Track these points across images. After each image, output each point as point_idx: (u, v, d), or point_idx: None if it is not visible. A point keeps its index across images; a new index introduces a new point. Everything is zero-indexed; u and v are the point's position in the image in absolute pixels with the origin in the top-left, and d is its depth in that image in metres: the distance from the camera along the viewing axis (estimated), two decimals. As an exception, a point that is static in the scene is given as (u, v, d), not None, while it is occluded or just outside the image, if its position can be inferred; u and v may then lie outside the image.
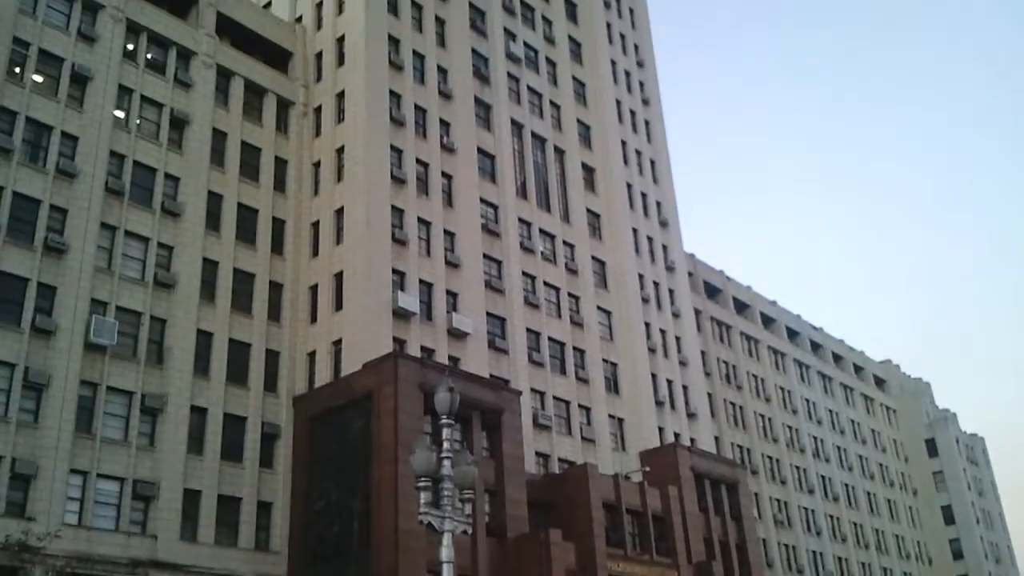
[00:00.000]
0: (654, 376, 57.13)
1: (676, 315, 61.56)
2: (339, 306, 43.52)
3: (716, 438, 64.61)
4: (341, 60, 49.01)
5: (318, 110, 49.03)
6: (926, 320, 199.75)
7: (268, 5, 53.68)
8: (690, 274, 67.86)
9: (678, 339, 61.05)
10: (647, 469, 50.15)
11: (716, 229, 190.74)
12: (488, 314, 48.62)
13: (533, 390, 49.04)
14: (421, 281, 45.76)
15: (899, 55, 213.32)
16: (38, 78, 38.92)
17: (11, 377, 34.38)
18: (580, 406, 51.69)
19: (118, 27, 41.87)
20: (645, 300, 58.79)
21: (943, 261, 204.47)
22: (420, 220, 47.19)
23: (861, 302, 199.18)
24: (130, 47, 42.52)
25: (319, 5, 51.45)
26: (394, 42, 50.08)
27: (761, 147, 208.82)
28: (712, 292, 73.52)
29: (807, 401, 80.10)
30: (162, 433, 37.84)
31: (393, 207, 45.91)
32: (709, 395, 65.55)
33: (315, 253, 45.69)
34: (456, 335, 45.97)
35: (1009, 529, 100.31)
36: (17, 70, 38.38)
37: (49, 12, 40.09)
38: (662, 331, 59.57)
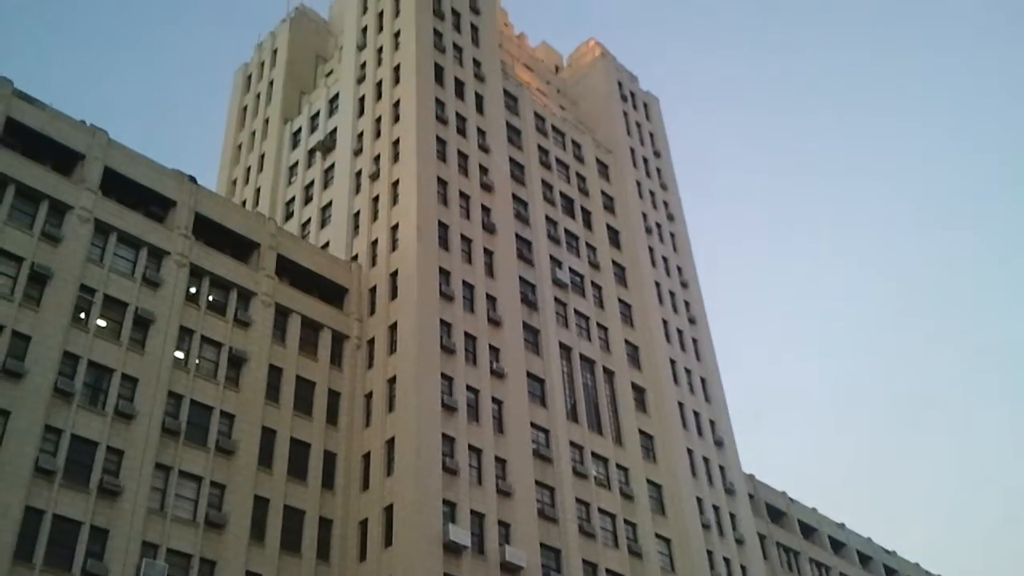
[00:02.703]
0: (721, 609, 53.98)
1: (740, 541, 58.93)
2: (389, 542, 42.44)
3: (792, 675, 59.91)
4: (394, 294, 50.55)
5: (371, 342, 50.08)
6: (1002, 539, 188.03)
7: (326, 246, 56.25)
8: (751, 496, 65.54)
9: (744, 568, 58.04)
10: None
11: (773, 448, 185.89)
12: (542, 545, 47.02)
13: (593, 628, 46.44)
14: (472, 512, 44.75)
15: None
16: (102, 323, 40.54)
17: (57, 626, 33.54)
18: (643, 644, 48.65)
19: (182, 272, 43.95)
20: (706, 526, 56.57)
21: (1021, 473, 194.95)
22: (471, 447, 46.80)
23: (932, 518, 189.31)
24: (192, 290, 44.44)
25: (374, 243, 53.77)
26: (444, 274, 51.74)
27: (811, 353, 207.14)
28: (776, 515, 70.55)
29: (886, 632, 74.49)
30: None
31: (444, 435, 45.73)
32: (781, 627, 61.47)
33: (365, 486, 45.18)
34: (509, 569, 44.29)
35: None
36: (82, 315, 40.08)
37: (116, 260, 42.33)
38: (726, 559, 56.82)
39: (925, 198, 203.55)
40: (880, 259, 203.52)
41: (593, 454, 53.61)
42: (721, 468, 61.79)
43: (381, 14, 65.00)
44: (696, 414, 62.76)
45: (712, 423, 63.78)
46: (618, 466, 54.62)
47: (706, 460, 60.79)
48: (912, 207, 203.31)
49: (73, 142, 43.36)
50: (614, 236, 66.90)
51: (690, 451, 59.66)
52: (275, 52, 74.02)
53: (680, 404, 61.64)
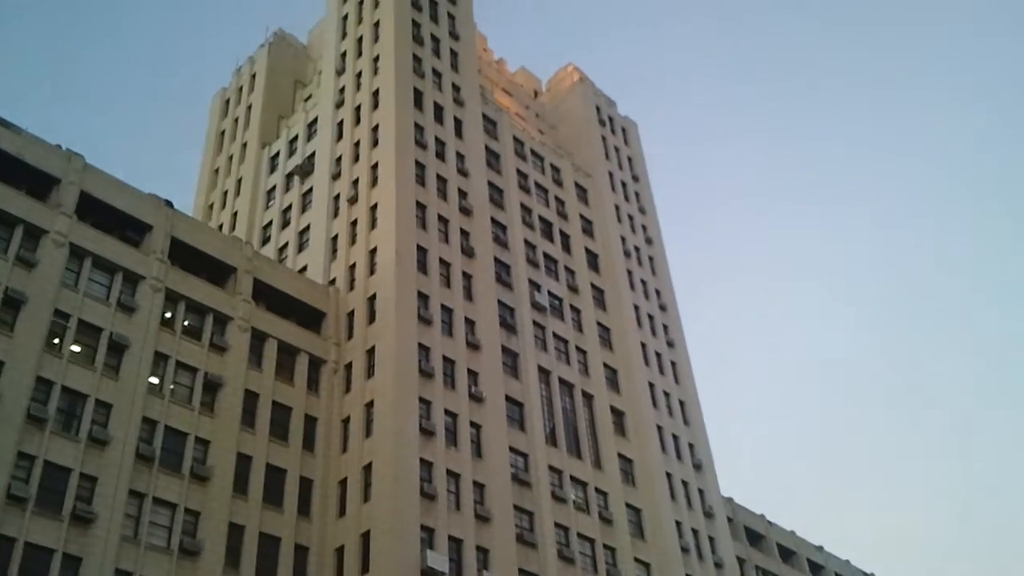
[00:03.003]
0: (700, 633, 53.81)
1: (719, 565, 58.83)
2: (366, 569, 42.10)
3: None
4: (372, 317, 50.45)
5: (349, 367, 49.89)
6: (989, 554, 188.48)
7: (303, 270, 56.14)
8: (730, 520, 65.54)
9: (722, 591, 58.00)
10: None
11: (751, 468, 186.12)
12: (521, 571, 46.76)
13: (571, 653, 46.17)
14: (450, 537, 44.50)
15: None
16: (76, 348, 40.20)
17: (26, 658, 32.99)
18: (622, 670, 48.37)
19: (157, 296, 43.71)
20: (685, 550, 56.46)
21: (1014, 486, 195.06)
22: (449, 472, 46.62)
23: (930, 530, 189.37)
24: (168, 315, 44.17)
25: (352, 267, 53.73)
26: (423, 298, 51.70)
27: (790, 370, 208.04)
28: (754, 539, 70.56)
29: (866, 656, 74.44)
30: None
31: (422, 460, 45.55)
32: (760, 651, 61.31)
33: (342, 512, 44.86)
34: (488, 595, 44.02)
35: None
36: (56, 341, 39.72)
37: (90, 284, 42.04)
38: (705, 583, 56.74)
39: (923, 201, 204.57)
40: (873, 265, 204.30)
41: (572, 478, 53.51)
42: (700, 491, 61.82)
43: (360, 39, 65.34)
44: (675, 437, 62.85)
45: (691, 446, 63.87)
46: (597, 490, 54.53)
47: (685, 484, 60.81)
48: (908, 210, 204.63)
49: (49, 166, 43.18)
50: (593, 260, 67.19)
51: (669, 475, 59.68)
52: (254, 77, 74.15)
53: (659, 427, 61.72)
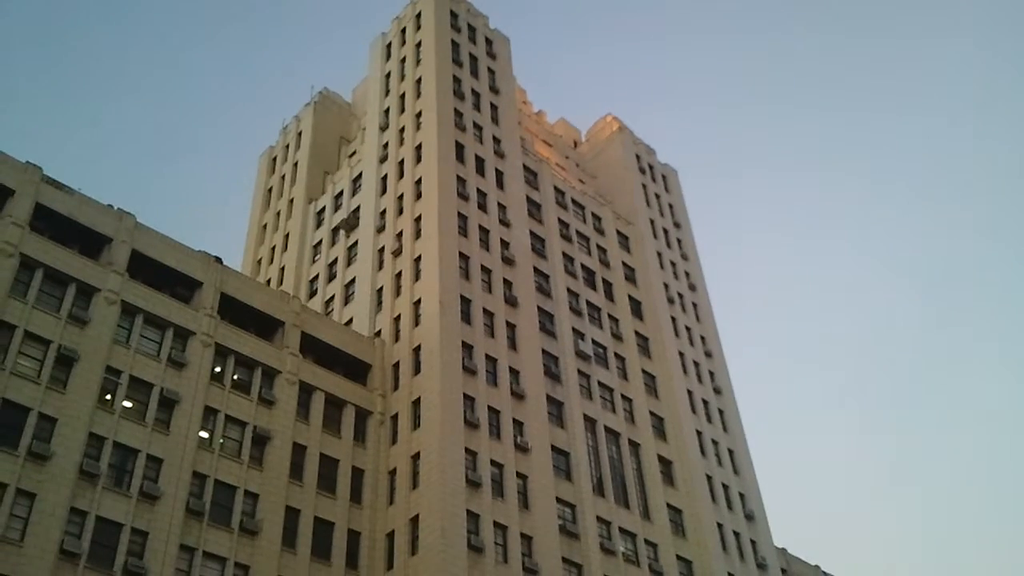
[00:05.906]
0: None
1: (773, 617, 57.44)
2: (415, 623, 41.74)
3: None
4: (417, 368, 50.64)
5: (395, 418, 50.01)
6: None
7: (349, 323, 56.67)
8: (784, 571, 64.03)
9: (778, 644, 56.47)
10: None
11: (805, 517, 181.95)
12: (571, 625, 46.04)
13: None
14: (500, 591, 43.97)
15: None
16: (127, 404, 40.82)
17: None
18: None
19: (207, 352, 44.34)
20: (738, 602, 55.22)
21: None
22: (496, 524, 46.23)
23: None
24: (217, 369, 44.75)
25: (397, 319, 54.13)
26: (467, 348, 51.82)
27: (845, 410, 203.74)
28: (809, 589, 68.86)
29: None
30: None
31: (469, 512, 45.27)
32: None
33: (390, 566, 44.64)
34: (538, 650, 43.31)
35: None
36: (107, 397, 40.38)
37: (142, 341, 42.79)
38: (759, 637, 55.35)
39: (958, 239, 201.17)
40: (918, 298, 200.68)
41: (621, 529, 52.75)
42: (752, 542, 60.54)
43: (403, 96, 66.61)
44: (725, 487, 61.81)
45: (742, 496, 62.72)
46: (647, 542, 53.65)
47: (736, 534, 59.62)
48: (946, 254, 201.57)
49: (101, 226, 44.28)
50: (636, 307, 66.96)
51: (720, 525, 58.57)
52: (300, 135, 75.84)
53: (708, 477, 60.76)
